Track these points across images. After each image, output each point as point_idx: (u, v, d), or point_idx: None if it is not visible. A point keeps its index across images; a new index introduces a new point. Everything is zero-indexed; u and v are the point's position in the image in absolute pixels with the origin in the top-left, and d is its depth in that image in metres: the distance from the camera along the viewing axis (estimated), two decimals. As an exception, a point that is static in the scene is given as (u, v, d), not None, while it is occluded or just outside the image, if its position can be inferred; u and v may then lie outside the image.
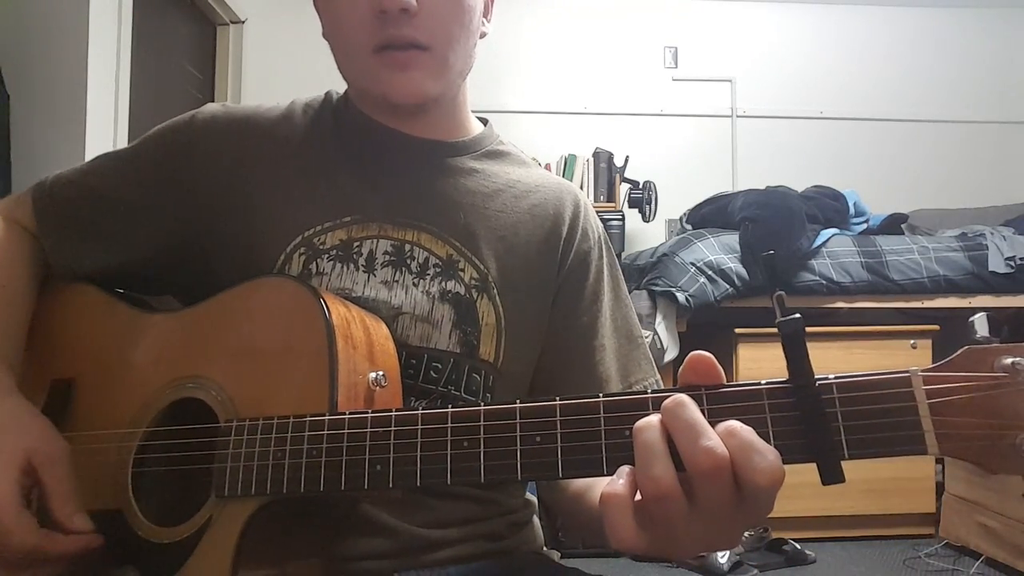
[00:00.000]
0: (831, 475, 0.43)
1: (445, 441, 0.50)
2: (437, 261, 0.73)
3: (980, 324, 2.21)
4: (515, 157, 0.85)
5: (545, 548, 0.83)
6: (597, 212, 0.87)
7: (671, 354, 2.67)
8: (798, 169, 3.69)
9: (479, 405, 0.51)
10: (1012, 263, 2.77)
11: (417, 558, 0.69)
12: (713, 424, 0.43)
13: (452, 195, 0.77)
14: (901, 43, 3.97)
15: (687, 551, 0.46)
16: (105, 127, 2.33)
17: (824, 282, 2.73)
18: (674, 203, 3.46)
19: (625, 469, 0.45)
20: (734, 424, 0.43)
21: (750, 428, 0.43)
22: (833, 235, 2.85)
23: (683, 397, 0.44)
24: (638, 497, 0.44)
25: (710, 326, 2.77)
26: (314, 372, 0.57)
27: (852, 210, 3.04)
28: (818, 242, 2.78)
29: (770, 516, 0.47)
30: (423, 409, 0.52)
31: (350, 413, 0.53)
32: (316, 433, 0.53)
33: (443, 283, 0.72)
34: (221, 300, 0.65)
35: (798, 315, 0.44)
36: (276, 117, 0.79)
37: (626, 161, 3.57)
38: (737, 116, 3.92)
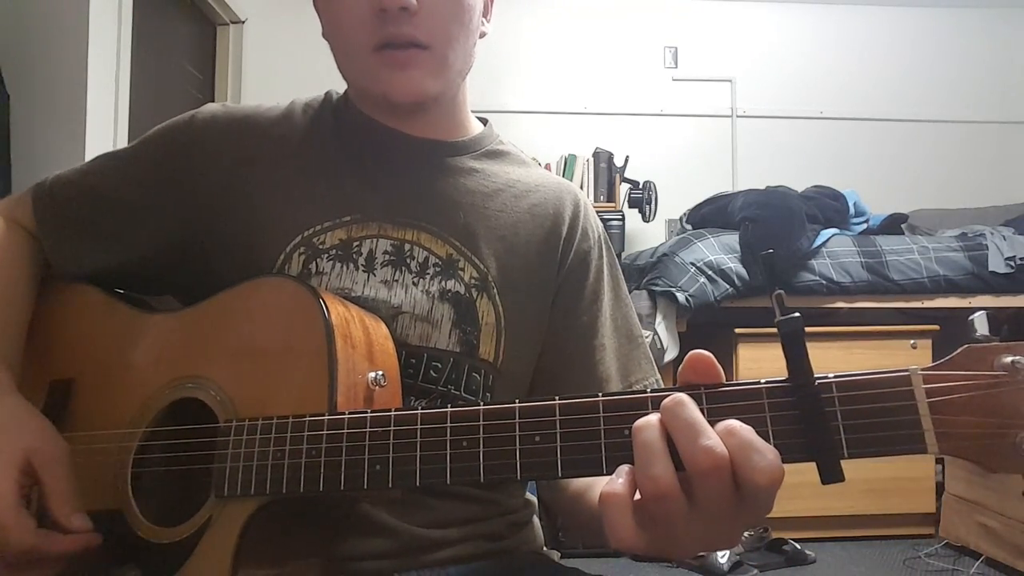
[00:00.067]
0: (831, 474, 0.43)
1: (444, 441, 0.50)
2: (437, 261, 0.73)
3: (980, 323, 2.20)
4: (515, 157, 0.85)
5: (545, 548, 0.83)
6: (597, 212, 0.87)
7: (671, 354, 2.66)
8: (798, 169, 3.69)
9: (478, 405, 0.50)
10: (1012, 263, 2.77)
11: (417, 558, 0.69)
12: (712, 423, 0.43)
13: (452, 195, 0.77)
14: (901, 43, 3.97)
15: (687, 551, 0.46)
16: (105, 127, 2.33)
17: (824, 282, 2.73)
18: (674, 203, 3.46)
19: (624, 468, 0.45)
20: (733, 423, 0.43)
21: (749, 427, 0.43)
22: (833, 235, 2.85)
23: (682, 396, 0.44)
24: (637, 496, 0.44)
25: (710, 326, 2.76)
26: (313, 372, 0.57)
27: (852, 210, 3.04)
28: (818, 242, 2.78)
29: (770, 516, 0.47)
30: (422, 409, 0.51)
31: (349, 413, 0.53)
32: (315, 433, 0.53)
33: (443, 282, 0.72)
34: (221, 300, 0.65)
35: (797, 314, 0.44)
36: (276, 117, 0.79)
37: (626, 161, 3.57)
38: (737, 116, 3.92)
